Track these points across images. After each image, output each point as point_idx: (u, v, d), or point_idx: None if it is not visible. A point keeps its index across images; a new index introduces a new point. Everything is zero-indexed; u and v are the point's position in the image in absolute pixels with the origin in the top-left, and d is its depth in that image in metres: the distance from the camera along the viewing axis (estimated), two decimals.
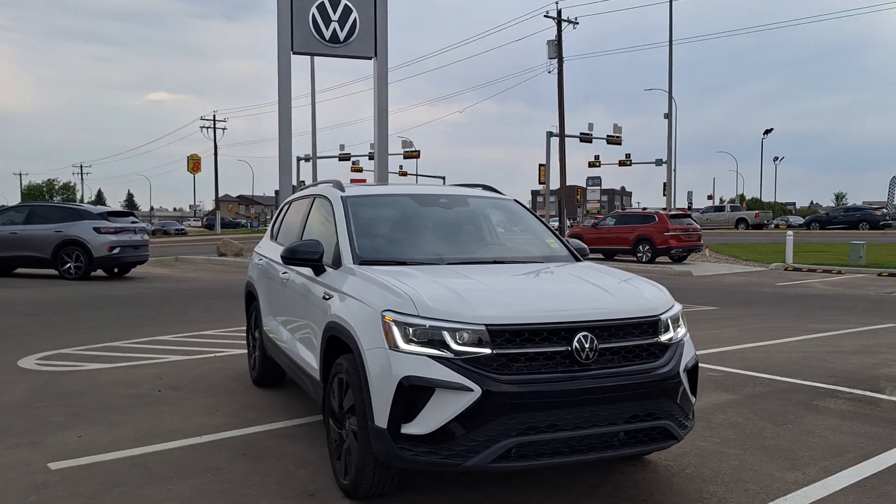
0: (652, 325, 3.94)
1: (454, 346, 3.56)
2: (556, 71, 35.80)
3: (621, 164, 60.35)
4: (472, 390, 3.46)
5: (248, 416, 5.69)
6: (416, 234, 5.13)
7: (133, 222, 18.54)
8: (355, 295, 4.12)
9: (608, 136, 53.03)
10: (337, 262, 4.64)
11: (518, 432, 3.51)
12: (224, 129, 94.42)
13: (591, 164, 57.64)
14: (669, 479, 4.38)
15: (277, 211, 6.96)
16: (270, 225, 7.00)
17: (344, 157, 63.28)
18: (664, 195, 57.46)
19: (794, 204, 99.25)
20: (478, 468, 3.49)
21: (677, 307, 4.20)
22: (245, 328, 7.23)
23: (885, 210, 50.95)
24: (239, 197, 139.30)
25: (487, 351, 3.55)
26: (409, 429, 3.57)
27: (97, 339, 9.14)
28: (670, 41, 37.25)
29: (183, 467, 4.57)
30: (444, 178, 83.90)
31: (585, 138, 49.99)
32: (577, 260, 5.09)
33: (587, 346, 3.68)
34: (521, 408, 3.50)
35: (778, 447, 4.97)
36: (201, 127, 71.23)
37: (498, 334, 3.59)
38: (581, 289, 4.14)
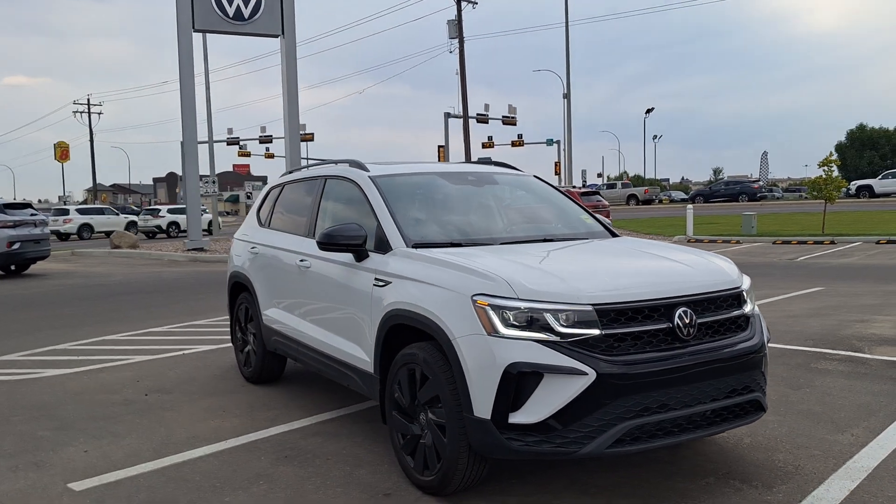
0: (736, 298, 3.91)
1: (559, 329, 3.38)
2: (457, 51, 35.77)
3: (514, 144, 61.41)
4: (585, 374, 3.30)
5: (263, 417, 5.30)
6: (456, 213, 4.88)
7: (32, 214, 17.07)
8: (427, 280, 3.85)
9: (504, 116, 53.73)
10: (383, 247, 4.35)
11: (633, 415, 3.38)
12: (100, 113, 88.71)
13: (484, 145, 58.19)
14: (735, 451, 4.39)
15: (262, 196, 6.49)
16: (255, 211, 6.53)
17: (233, 141, 61.01)
18: (556, 174, 58.96)
19: (667, 180, 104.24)
20: (594, 455, 3.34)
21: (748, 279, 4.19)
22: (228, 323, 6.75)
23: (761, 183, 54.34)
24: (113, 186, 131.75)
25: (596, 332, 3.39)
26: (516, 418, 3.37)
27: (36, 343, 8.32)
28: (566, 22, 38.03)
29: (227, 477, 4.18)
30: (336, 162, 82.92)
31: (482, 119, 50.41)
32: (615, 235, 5.00)
33: (687, 321, 3.59)
34: (635, 389, 3.38)
35: (811, 411, 5.09)
36: (75, 112, 66.70)
37: (604, 314, 3.44)
38: (663, 264, 4.03)
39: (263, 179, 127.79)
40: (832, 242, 19.92)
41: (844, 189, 35.28)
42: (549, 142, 64.76)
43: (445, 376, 3.63)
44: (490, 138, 56.15)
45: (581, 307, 3.41)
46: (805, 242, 20.39)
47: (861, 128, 70.94)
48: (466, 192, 5.11)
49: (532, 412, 3.35)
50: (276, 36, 22.92)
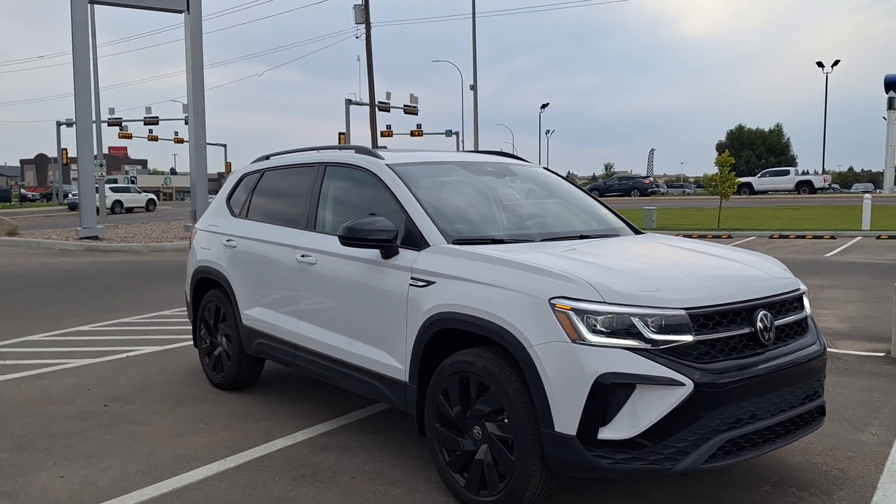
0: (799, 300, 3.79)
1: (649, 335, 3.12)
2: (363, 37, 34.98)
3: (413, 134, 61.21)
4: (682, 384, 3.06)
5: (254, 429, 4.78)
6: (485, 206, 4.55)
7: None
8: (485, 280, 3.50)
9: (405, 105, 53.44)
10: (415, 243, 3.96)
11: (727, 427, 3.18)
12: None
13: (383, 134, 57.75)
14: (775, 455, 4.29)
15: (234, 183, 5.89)
16: (225, 199, 5.92)
17: (114, 122, 57.62)
18: None
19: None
20: (690, 471, 3.12)
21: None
22: (191, 324, 6.12)
23: (651, 179, 56.58)
24: None
25: (689, 338, 3.16)
26: (606, 433, 3.09)
27: None
28: (473, 13, 37.95)
29: (243, 503, 3.69)
30: (225, 145, 79.93)
31: (384, 107, 49.88)
32: (638, 232, 4.81)
33: (768, 324, 3.43)
34: (730, 399, 3.17)
35: None
36: None
37: (695, 319, 3.21)
38: (733, 265, 3.84)
39: (143, 163, 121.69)
40: (729, 237, 20.82)
41: None
42: (449, 132, 65.00)
43: (513, 387, 3.30)
44: (389, 127, 55.76)
45: (673, 312, 3.16)
46: (705, 236, 21.21)
47: (740, 128, 75.23)
48: (490, 184, 4.77)
49: (624, 427, 3.08)
50: (181, 11, 21.59)
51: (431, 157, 4.85)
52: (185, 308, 9.36)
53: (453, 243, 3.87)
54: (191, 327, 7.88)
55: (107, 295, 10.87)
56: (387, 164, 4.42)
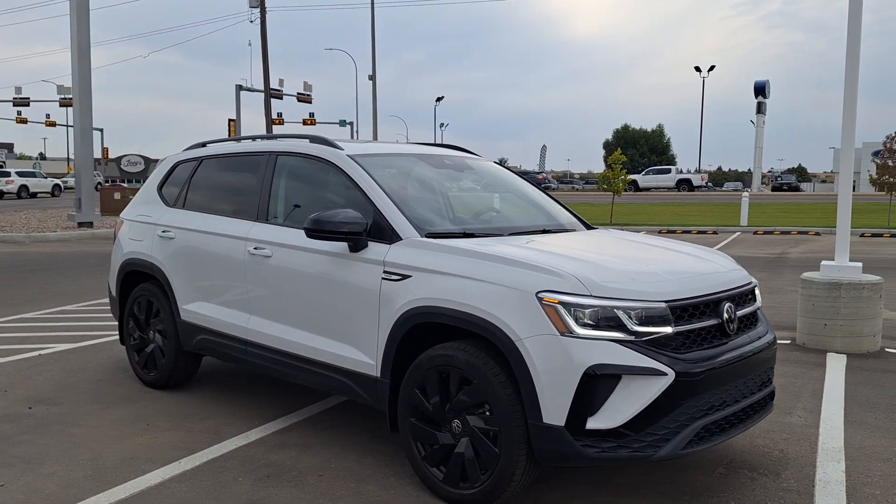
0: (752, 293, 4.01)
1: (633, 327, 3.23)
2: (258, 21, 33.99)
3: (305, 122, 60.16)
4: (665, 374, 3.18)
5: (201, 429, 4.59)
6: (450, 201, 4.53)
7: None
8: (467, 274, 3.50)
9: (299, 93, 52.43)
10: (384, 236, 3.91)
11: (702, 413, 3.34)
12: None
13: (275, 122, 56.50)
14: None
15: (167, 171, 5.60)
16: (156, 188, 5.62)
17: None
18: None
19: None
20: (670, 457, 3.24)
21: None
22: (117, 320, 5.77)
23: (544, 174, 58.05)
24: None
25: (668, 330, 3.29)
26: (594, 423, 3.18)
27: None
28: (372, 1, 37.64)
29: None
30: (101, 130, 75.65)
31: (276, 94, 48.67)
32: (589, 226, 4.94)
33: (732, 316, 3.62)
34: (705, 387, 3.33)
35: None
36: None
37: (673, 311, 3.34)
38: (696, 260, 4.00)
39: (9, 147, 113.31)
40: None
41: None
42: (343, 122, 64.29)
43: (498, 380, 3.33)
44: (280, 115, 54.59)
45: (655, 304, 3.29)
46: None
47: (625, 128, 78.48)
48: (451, 177, 4.77)
49: (610, 417, 3.17)
50: None
51: (390, 148, 4.80)
52: (89, 303, 8.86)
53: (426, 237, 3.84)
54: (106, 323, 7.52)
55: None
56: (348, 155, 4.34)
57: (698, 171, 58.02)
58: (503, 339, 3.30)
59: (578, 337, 3.18)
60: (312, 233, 3.92)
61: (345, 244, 3.97)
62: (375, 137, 43.21)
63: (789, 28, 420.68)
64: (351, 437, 4.46)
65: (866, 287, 6.66)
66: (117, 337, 6.62)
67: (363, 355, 3.93)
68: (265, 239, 4.48)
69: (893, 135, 24.14)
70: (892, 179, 24.38)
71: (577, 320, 3.20)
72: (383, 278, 3.81)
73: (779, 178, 70.05)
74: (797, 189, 64.43)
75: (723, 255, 4.25)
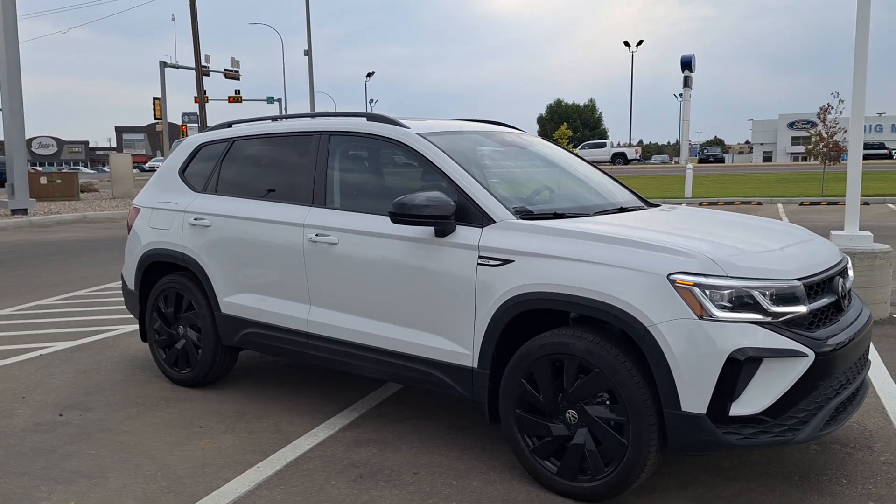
0: (847, 268, 3.97)
1: (769, 308, 3.12)
2: None
3: (231, 100, 58.34)
4: (805, 355, 3.09)
5: (262, 429, 4.31)
6: (527, 178, 4.32)
7: None
8: (582, 257, 3.32)
9: (226, 69, 50.65)
10: (474, 219, 3.70)
11: (835, 393, 3.29)
12: None
13: (197, 100, 54.65)
14: None
15: (189, 154, 5.19)
16: (175, 173, 5.21)
17: None
18: None
19: None
20: (809, 439, 3.17)
21: None
22: (138, 315, 5.36)
23: None
24: None
25: (803, 309, 3.20)
26: (737, 410, 3.07)
27: None
28: None
29: None
30: None
31: (203, 71, 46.91)
32: (651, 204, 4.81)
33: (846, 290, 3.57)
34: (838, 366, 3.27)
35: None
36: None
37: (806, 290, 3.26)
38: (796, 234, 3.93)
39: None
40: None
41: None
42: (270, 99, 62.68)
43: (624, 367, 3.19)
44: (205, 92, 52.75)
45: (790, 283, 3.19)
46: None
47: (558, 102, 79.10)
48: (515, 155, 4.56)
49: (752, 402, 3.07)
50: None
51: (451, 125, 4.54)
52: (62, 296, 8.27)
53: (521, 218, 3.65)
54: (91, 318, 7.05)
55: None
56: (418, 134, 4.08)
57: (630, 145, 59.14)
58: (634, 324, 3.15)
59: (718, 320, 3.06)
60: (398, 217, 3.67)
61: (430, 229, 3.74)
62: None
63: (700, 3, 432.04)
64: (425, 430, 4.25)
65: (879, 255, 6.80)
66: (116, 332, 6.25)
67: (455, 345, 3.73)
68: (328, 225, 4.19)
69: (827, 106, 25.05)
70: (825, 150, 25.38)
71: (715, 303, 3.08)
72: (479, 264, 3.60)
73: (705, 151, 72.13)
74: (721, 161, 66.51)
75: (804, 229, 4.21)
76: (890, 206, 20.23)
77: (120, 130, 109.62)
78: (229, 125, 5.20)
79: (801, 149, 72.75)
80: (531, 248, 3.48)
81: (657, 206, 4.67)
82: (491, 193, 3.75)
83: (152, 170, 68.16)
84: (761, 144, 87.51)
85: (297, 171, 4.50)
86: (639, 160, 54.95)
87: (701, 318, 3.06)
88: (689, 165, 26.84)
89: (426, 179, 3.98)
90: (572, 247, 3.39)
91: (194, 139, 5.28)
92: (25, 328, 6.77)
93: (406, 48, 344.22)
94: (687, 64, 60.97)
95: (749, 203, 21.68)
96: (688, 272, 3.12)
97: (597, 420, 3.29)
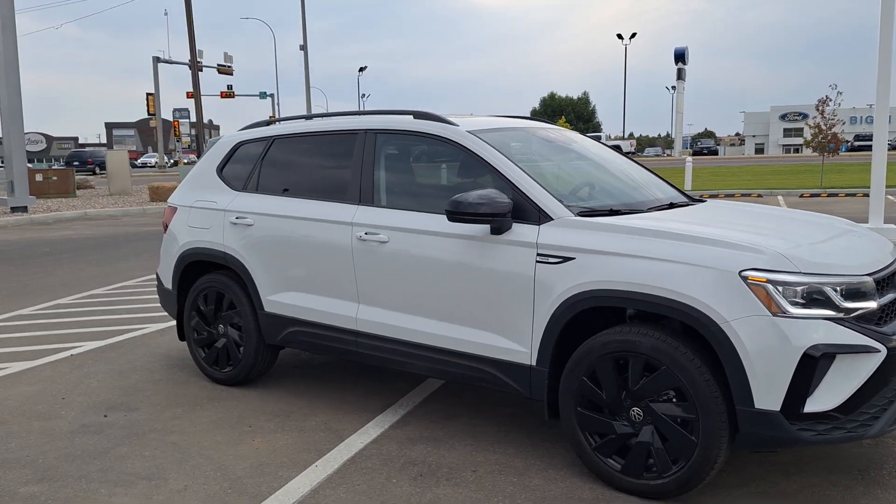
0: None
1: (841, 304, 3.13)
2: None
3: (224, 95, 58.15)
4: (878, 351, 3.11)
5: (312, 427, 4.29)
6: (579, 175, 4.32)
7: None
8: (649, 254, 3.31)
9: (219, 65, 50.40)
10: (530, 216, 3.69)
11: None
12: None
13: (189, 95, 54.49)
14: None
15: (226, 153, 5.15)
16: (214, 171, 5.18)
17: None
18: None
19: None
20: (880, 434, 3.19)
21: None
22: (175, 315, 5.33)
23: None
24: None
25: (873, 304, 3.21)
26: (811, 406, 3.08)
27: None
28: None
29: None
30: None
31: (197, 66, 46.64)
32: (695, 199, 4.80)
33: None
34: None
35: None
36: None
37: (877, 285, 3.28)
38: (848, 228, 3.95)
39: None
40: None
41: None
42: (263, 95, 62.54)
43: (693, 365, 3.19)
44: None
45: (861, 278, 3.20)
46: None
47: (552, 96, 79.14)
48: (561, 151, 4.55)
49: (827, 398, 3.08)
50: None
51: (498, 122, 4.53)
52: (79, 295, 8.22)
53: (578, 215, 3.65)
54: (113, 318, 7.00)
55: None
56: (468, 131, 4.07)
57: (625, 138, 59.22)
58: (706, 322, 3.15)
59: (792, 317, 3.06)
60: (454, 215, 3.66)
61: (486, 227, 3.73)
62: (309, 110, 42.17)
63: None
64: (478, 427, 4.25)
65: None
66: (144, 331, 6.23)
67: (512, 343, 3.72)
68: (378, 223, 4.18)
69: (825, 98, 25.12)
70: (824, 142, 25.46)
71: (787, 299, 3.09)
72: (538, 262, 3.60)
73: (699, 143, 72.36)
74: (715, 153, 66.81)
75: (861, 226, 4.22)
76: (890, 198, 20.35)
77: (110, 126, 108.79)
78: (267, 123, 5.18)
79: (793, 141, 73.13)
80: (594, 245, 3.47)
81: (703, 200, 4.67)
82: (547, 191, 3.74)
83: (145, 166, 67.78)
84: (753, 136, 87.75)
85: (342, 170, 4.48)
86: (634, 153, 55.06)
87: (775, 314, 3.07)
88: (689, 158, 26.90)
89: (477, 177, 3.97)
90: (637, 244, 3.39)
91: (231, 137, 5.24)
92: (50, 328, 6.73)
93: (397, 41, 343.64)
94: (680, 56, 61.12)
95: (749, 195, 21.72)
96: (759, 268, 3.12)
97: (664, 417, 3.30)
